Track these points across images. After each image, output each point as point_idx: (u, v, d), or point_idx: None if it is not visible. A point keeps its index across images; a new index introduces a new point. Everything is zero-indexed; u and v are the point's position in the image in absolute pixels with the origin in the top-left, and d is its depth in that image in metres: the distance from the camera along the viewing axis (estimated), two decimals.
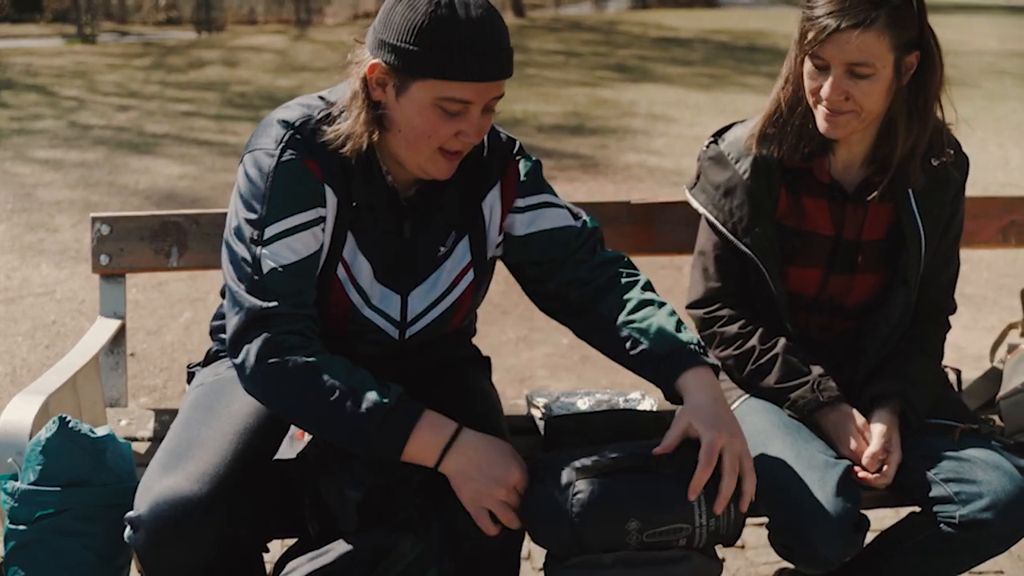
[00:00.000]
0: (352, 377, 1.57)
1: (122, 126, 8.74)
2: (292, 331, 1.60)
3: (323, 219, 1.66)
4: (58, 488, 1.74)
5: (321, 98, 1.72)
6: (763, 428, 1.86)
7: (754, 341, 1.92)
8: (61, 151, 7.77)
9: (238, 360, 1.61)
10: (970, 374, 2.27)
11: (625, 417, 1.86)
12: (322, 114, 1.68)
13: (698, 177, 2.02)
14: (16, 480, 1.76)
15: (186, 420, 1.74)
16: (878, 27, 1.73)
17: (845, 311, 1.98)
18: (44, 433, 1.77)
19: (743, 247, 1.91)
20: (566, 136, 8.68)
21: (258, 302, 1.59)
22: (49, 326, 4.54)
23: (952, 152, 1.92)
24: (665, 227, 2.34)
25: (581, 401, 2.22)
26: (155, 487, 1.55)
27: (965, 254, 2.11)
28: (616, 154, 8.05)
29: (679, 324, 1.68)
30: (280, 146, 1.64)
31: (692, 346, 1.63)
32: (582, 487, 1.53)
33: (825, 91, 1.79)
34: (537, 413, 2.19)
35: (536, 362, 4.18)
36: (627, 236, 2.33)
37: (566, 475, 1.55)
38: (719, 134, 2.01)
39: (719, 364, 1.68)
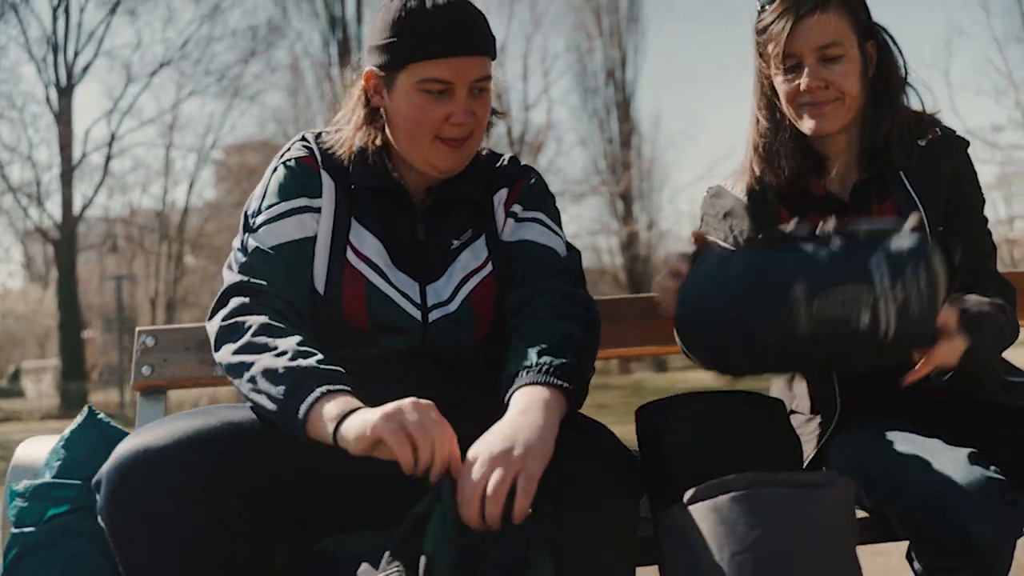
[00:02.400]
0: (287, 344, 1.46)
1: None
2: (269, 306, 1.55)
3: (312, 209, 1.66)
4: (78, 482, 1.54)
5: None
6: (864, 438, 1.68)
7: None
8: None
9: (210, 323, 1.56)
10: None
11: (724, 400, 1.66)
12: (332, 132, 1.77)
13: (701, 220, 1.99)
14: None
15: None
16: (834, 7, 1.77)
17: None
18: (71, 426, 1.60)
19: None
20: None
21: (243, 277, 1.59)
22: None
23: (938, 131, 1.88)
24: None
25: None
26: (122, 446, 1.36)
27: None
28: None
29: (554, 348, 1.49)
30: (287, 151, 1.73)
31: (540, 367, 1.45)
32: (741, 257, 1.48)
33: (804, 83, 1.77)
34: None
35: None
36: (650, 330, 2.24)
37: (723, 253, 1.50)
38: (710, 187, 2.02)
39: (568, 385, 1.44)
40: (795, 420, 1.87)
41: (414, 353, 1.62)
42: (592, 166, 26.56)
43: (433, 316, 1.64)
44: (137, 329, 2.26)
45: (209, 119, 36.57)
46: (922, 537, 1.50)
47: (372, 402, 1.37)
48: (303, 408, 1.37)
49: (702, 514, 1.33)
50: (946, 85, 26.89)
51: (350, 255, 1.65)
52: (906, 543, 1.56)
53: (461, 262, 1.69)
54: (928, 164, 1.85)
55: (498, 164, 1.79)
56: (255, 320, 1.51)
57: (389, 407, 1.33)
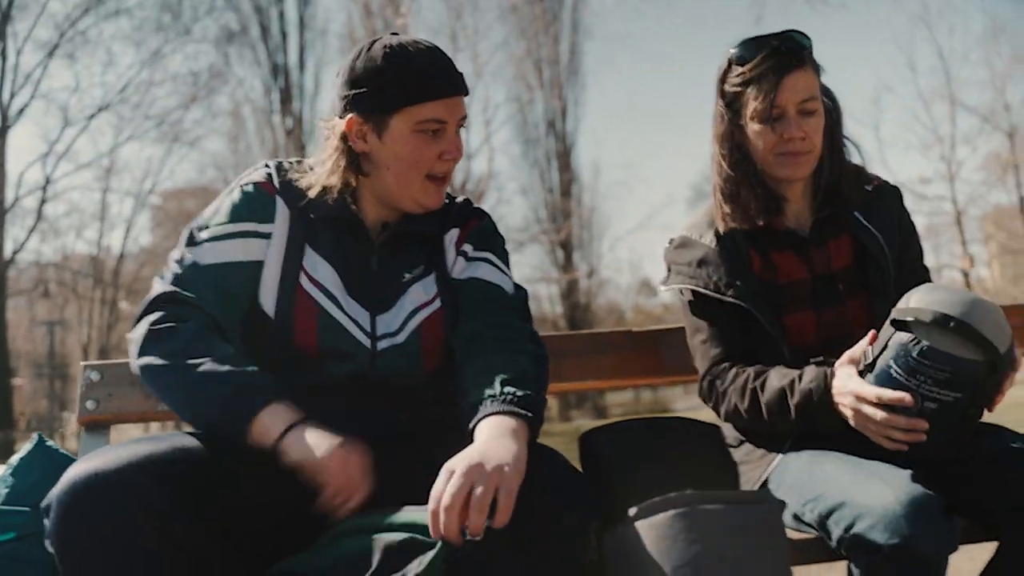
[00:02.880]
0: (226, 352, 1.54)
1: None
2: (198, 319, 1.59)
3: (260, 235, 1.70)
4: (26, 509, 1.53)
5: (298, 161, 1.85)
6: (808, 460, 1.75)
7: (749, 371, 1.88)
8: None
9: (134, 329, 1.59)
10: None
11: (663, 425, 1.72)
12: (299, 162, 1.81)
13: (668, 270, 2.07)
14: None
15: None
16: (808, 65, 1.92)
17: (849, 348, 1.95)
18: (20, 453, 1.60)
19: (730, 299, 1.92)
20: None
21: (174, 288, 1.62)
22: None
23: (879, 179, 2.07)
24: (669, 351, 2.33)
25: None
26: (72, 470, 1.36)
27: None
28: None
29: (515, 380, 1.53)
30: (248, 175, 1.77)
31: (504, 397, 1.50)
32: None
33: (789, 133, 1.90)
34: None
35: None
36: (632, 362, 2.31)
37: None
38: (672, 239, 2.09)
39: (531, 415, 1.49)
40: (746, 447, 1.94)
41: (361, 381, 1.66)
42: (533, 214, 26.77)
43: (381, 345, 1.68)
44: (82, 364, 2.26)
45: (147, 164, 36.08)
46: (862, 551, 1.55)
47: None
48: (250, 409, 1.45)
49: (645, 531, 1.39)
50: (876, 140, 27.90)
51: (303, 280, 1.69)
52: (845, 563, 1.60)
53: (411, 295, 1.73)
54: (878, 205, 2.03)
55: (451, 205, 1.85)
56: (187, 328, 1.56)
57: (340, 448, 1.44)
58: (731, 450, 1.94)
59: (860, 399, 1.66)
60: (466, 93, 1.73)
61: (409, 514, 1.36)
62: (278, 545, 1.46)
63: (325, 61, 25.45)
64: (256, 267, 1.68)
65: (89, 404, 2.20)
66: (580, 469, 1.71)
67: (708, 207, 2.07)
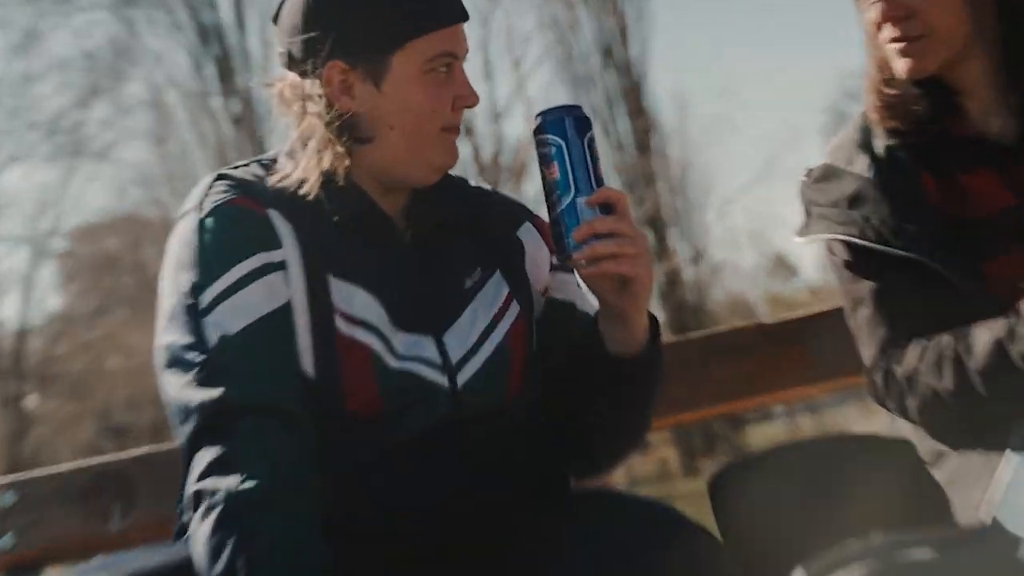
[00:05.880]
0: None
1: None
2: (267, 434, 1.63)
3: (275, 266, 1.73)
4: None
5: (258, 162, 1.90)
6: None
7: (941, 339, 1.89)
8: None
9: (198, 509, 1.60)
10: None
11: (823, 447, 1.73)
12: (260, 163, 1.87)
13: (807, 214, 2.11)
14: None
15: None
16: None
17: None
18: None
19: (900, 252, 1.94)
20: None
21: (214, 392, 1.62)
22: None
23: None
24: (823, 344, 2.33)
25: None
26: None
27: None
28: None
29: None
30: (203, 196, 1.78)
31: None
32: None
33: (879, 9, 1.95)
34: None
35: None
36: (770, 368, 2.32)
37: None
38: (810, 169, 2.14)
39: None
40: (953, 461, 1.92)
41: (439, 433, 1.75)
42: None
43: (463, 377, 1.79)
44: None
45: (41, 193, 36.56)
46: None
47: (379, 508, 1.63)
48: None
49: None
50: None
51: (340, 323, 1.74)
52: None
53: (481, 304, 1.86)
54: None
55: (460, 186, 1.97)
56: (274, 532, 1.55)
57: None
58: (930, 470, 1.92)
59: None
60: (468, 18, 1.84)
61: None
62: None
63: (271, 10, 25.43)
64: (287, 313, 1.72)
65: (4, 542, 2.25)
66: (714, 526, 1.75)
67: (856, 121, 2.07)
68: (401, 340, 1.76)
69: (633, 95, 26.68)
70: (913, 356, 1.90)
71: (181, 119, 25.15)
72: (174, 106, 25.37)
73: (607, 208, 1.69)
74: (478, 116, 22.83)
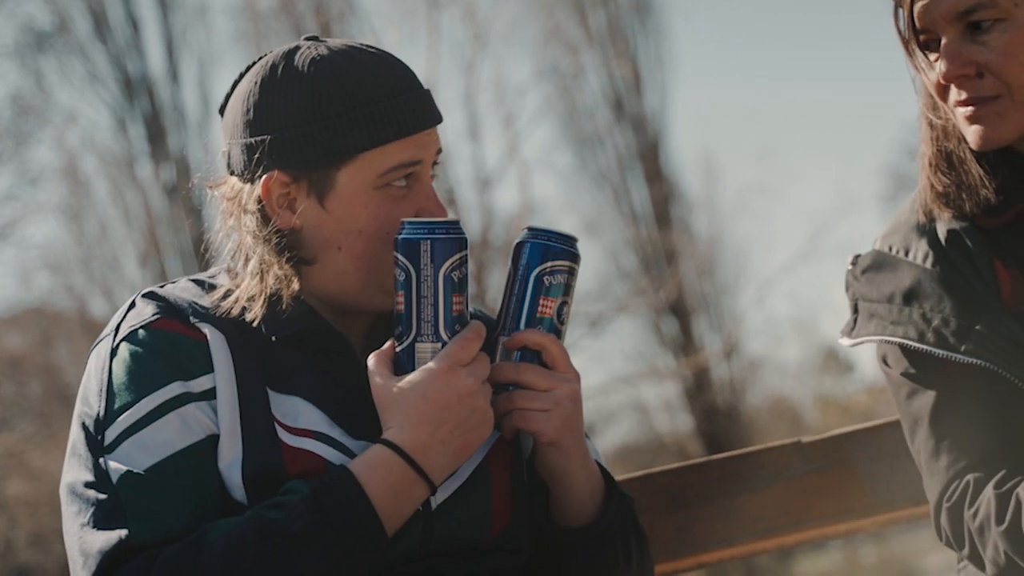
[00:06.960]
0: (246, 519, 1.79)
1: None
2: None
3: (195, 397, 1.88)
4: None
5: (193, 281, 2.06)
6: None
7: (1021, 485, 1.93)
8: None
9: None
10: None
11: None
12: (196, 281, 2.03)
13: (855, 310, 2.18)
14: None
15: None
16: None
17: None
18: None
19: (966, 358, 1.98)
20: None
21: (111, 535, 1.76)
22: None
23: None
24: (877, 467, 2.28)
25: None
26: None
27: None
28: None
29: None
30: (121, 318, 1.94)
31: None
32: None
33: (942, 69, 1.97)
34: None
35: None
36: (814, 497, 2.30)
37: None
38: (858, 256, 2.24)
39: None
40: None
41: (408, 565, 1.91)
42: (612, 264, 26.81)
43: (438, 497, 1.93)
44: None
45: None
46: None
47: None
48: (353, 499, 1.79)
49: None
50: None
51: (283, 435, 1.90)
52: None
53: None
54: None
55: None
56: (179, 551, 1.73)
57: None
58: None
59: None
60: (441, 119, 1.97)
61: None
62: None
63: (213, 58, 25.72)
64: (206, 448, 1.86)
65: None
66: None
67: (914, 200, 2.03)
68: (359, 447, 1.90)
69: (650, 156, 27.00)
70: (987, 503, 1.93)
71: (101, 190, 25.34)
72: (92, 174, 25.55)
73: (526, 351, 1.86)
74: (462, 184, 22.97)
